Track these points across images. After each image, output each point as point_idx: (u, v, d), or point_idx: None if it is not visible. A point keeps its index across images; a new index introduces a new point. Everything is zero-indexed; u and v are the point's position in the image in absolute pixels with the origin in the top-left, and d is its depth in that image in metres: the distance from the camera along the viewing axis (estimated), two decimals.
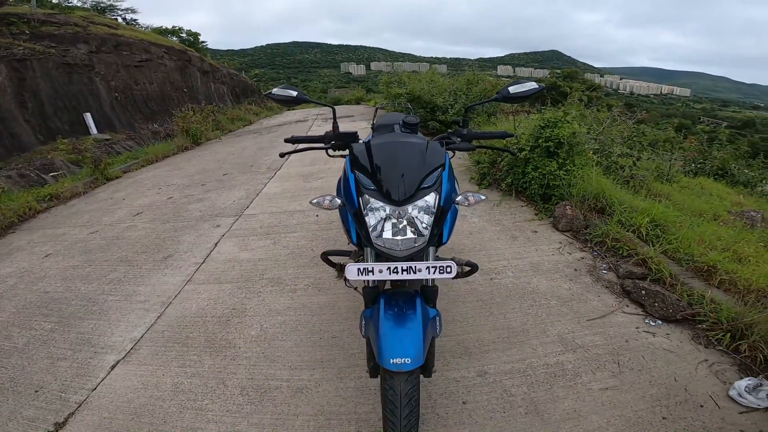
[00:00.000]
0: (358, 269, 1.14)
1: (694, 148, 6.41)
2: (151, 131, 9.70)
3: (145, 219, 4.09)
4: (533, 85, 1.35)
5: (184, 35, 20.23)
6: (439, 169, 1.19)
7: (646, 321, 2.11)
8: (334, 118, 1.49)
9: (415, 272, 1.13)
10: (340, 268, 1.57)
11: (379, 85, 14.01)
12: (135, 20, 17.92)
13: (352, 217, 1.21)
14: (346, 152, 1.54)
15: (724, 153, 6.46)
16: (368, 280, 1.25)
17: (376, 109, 2.57)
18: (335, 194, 1.34)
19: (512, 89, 1.36)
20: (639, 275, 2.42)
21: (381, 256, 1.21)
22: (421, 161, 1.16)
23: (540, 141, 3.33)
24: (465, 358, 1.88)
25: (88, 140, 8.05)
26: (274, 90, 1.39)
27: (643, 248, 2.59)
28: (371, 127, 2.39)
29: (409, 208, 1.11)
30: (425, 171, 1.15)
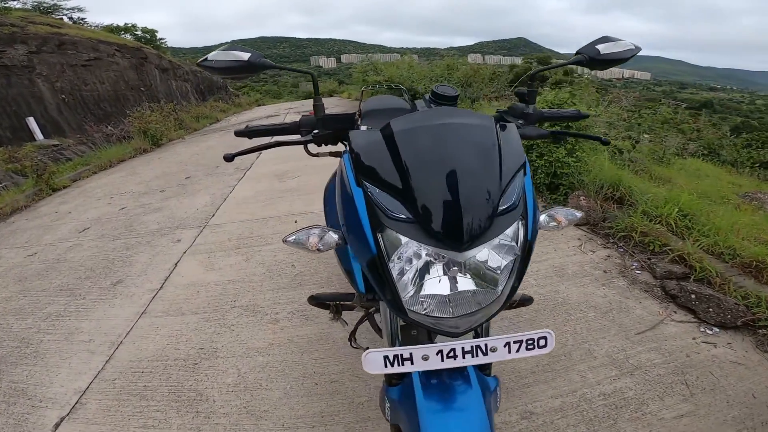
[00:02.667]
0: (386, 359, 0.64)
1: (689, 129, 6.28)
2: (104, 134, 8.81)
3: (93, 236, 3.48)
4: (628, 45, 0.87)
5: (139, 33, 18.89)
6: (520, 173, 0.70)
7: (702, 329, 1.77)
8: (316, 89, 0.93)
9: (486, 353, 0.65)
10: (336, 309, 1.12)
11: (353, 75, 13.45)
12: (83, 19, 16.51)
13: (363, 264, 0.68)
14: (339, 149, 1.08)
15: (711, 134, 6.38)
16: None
17: (362, 91, 2.10)
18: (325, 223, 0.93)
19: (602, 48, 0.86)
20: (680, 275, 2.07)
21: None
22: (491, 161, 0.66)
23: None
24: (503, 398, 1.47)
25: (27, 147, 7.15)
26: (211, 55, 0.83)
27: (677, 243, 2.25)
28: (357, 114, 1.93)
29: (476, 250, 0.62)
30: (503, 180, 0.65)
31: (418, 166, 0.63)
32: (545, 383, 1.53)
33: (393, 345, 0.84)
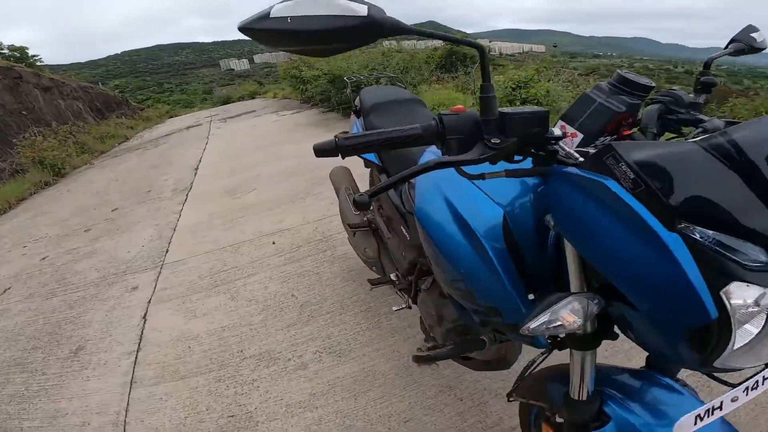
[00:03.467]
0: (698, 417, 0.52)
1: None
2: None
3: (18, 296, 2.80)
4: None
5: (5, 51, 15.97)
6: None
7: None
8: (485, 73, 0.54)
9: None
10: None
11: (278, 75, 12.76)
12: None
13: (679, 330, 0.49)
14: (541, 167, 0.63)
15: None
16: None
17: (349, 82, 1.84)
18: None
19: (756, 36, 0.85)
20: None
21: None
22: None
23: (517, 104, 2.96)
24: None
25: None
26: (278, 8, 0.45)
27: None
28: (354, 111, 1.71)
29: None
30: None
31: None
32: None
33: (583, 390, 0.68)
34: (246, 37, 0.50)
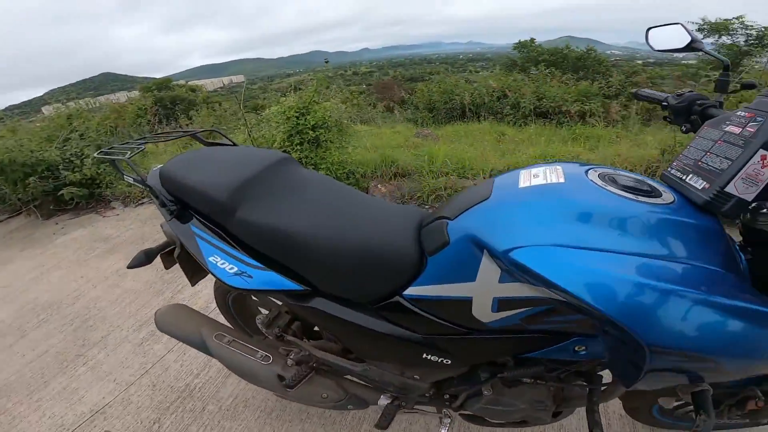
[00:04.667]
0: None
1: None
2: None
3: None
4: None
5: None
6: None
7: None
8: None
9: None
10: None
11: None
12: None
13: None
14: None
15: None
16: None
17: (112, 156, 0.87)
18: None
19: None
20: None
21: None
22: None
23: (302, 135, 2.55)
24: None
25: None
26: None
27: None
28: (162, 204, 0.89)
29: None
30: None
31: None
32: None
33: None
34: None
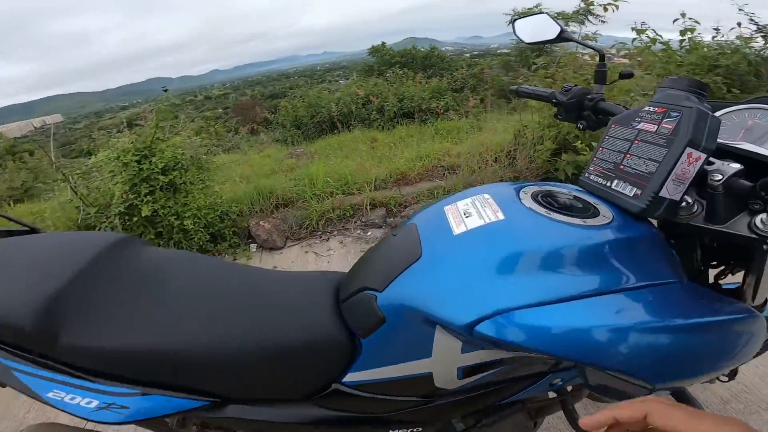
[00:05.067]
0: None
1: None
2: None
3: None
4: None
5: None
6: None
7: None
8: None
9: None
10: None
11: None
12: None
13: None
14: None
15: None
16: None
17: None
18: None
19: None
20: None
21: None
22: None
23: (151, 182, 2.07)
24: None
25: None
26: None
27: None
28: None
29: None
30: None
31: None
32: None
33: None
34: None
